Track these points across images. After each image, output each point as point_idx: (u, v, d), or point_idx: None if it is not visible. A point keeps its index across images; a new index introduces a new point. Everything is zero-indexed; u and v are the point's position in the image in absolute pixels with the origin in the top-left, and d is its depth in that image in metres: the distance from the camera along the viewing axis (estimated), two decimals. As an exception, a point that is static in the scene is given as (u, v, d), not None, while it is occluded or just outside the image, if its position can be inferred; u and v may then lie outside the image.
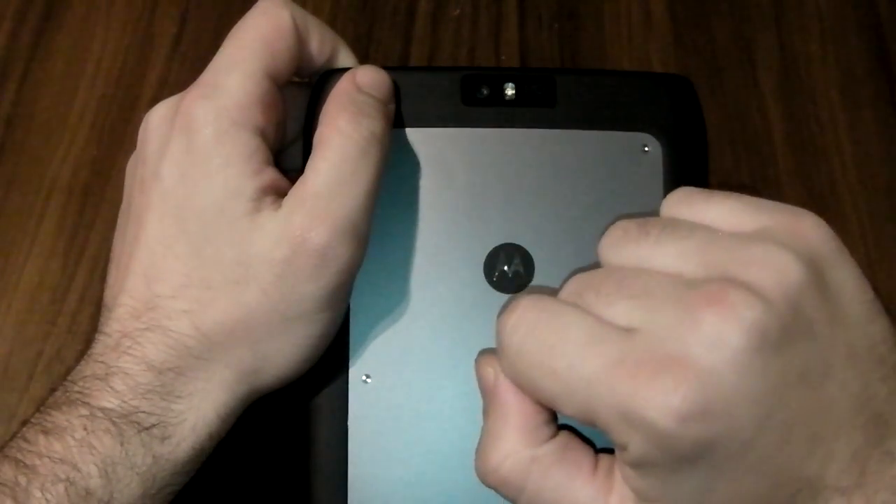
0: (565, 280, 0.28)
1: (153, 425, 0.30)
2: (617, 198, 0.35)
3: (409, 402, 0.34)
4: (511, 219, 0.35)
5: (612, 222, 0.28)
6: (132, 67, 0.51)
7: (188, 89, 0.33)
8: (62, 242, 0.47)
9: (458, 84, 0.36)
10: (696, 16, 0.53)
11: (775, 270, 0.24)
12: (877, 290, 0.27)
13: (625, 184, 0.35)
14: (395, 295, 0.35)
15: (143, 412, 0.30)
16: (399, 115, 0.35)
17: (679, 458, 0.24)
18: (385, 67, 0.35)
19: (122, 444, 0.30)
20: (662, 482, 0.25)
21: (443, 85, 0.36)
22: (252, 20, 0.34)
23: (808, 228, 0.26)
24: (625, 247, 0.27)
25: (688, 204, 0.28)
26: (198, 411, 0.31)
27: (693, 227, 0.27)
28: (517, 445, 0.28)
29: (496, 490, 0.28)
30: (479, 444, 0.29)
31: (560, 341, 0.26)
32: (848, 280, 0.26)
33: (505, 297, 0.35)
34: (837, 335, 0.25)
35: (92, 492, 0.29)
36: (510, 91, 0.36)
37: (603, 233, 0.28)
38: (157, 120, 0.34)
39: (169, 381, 0.31)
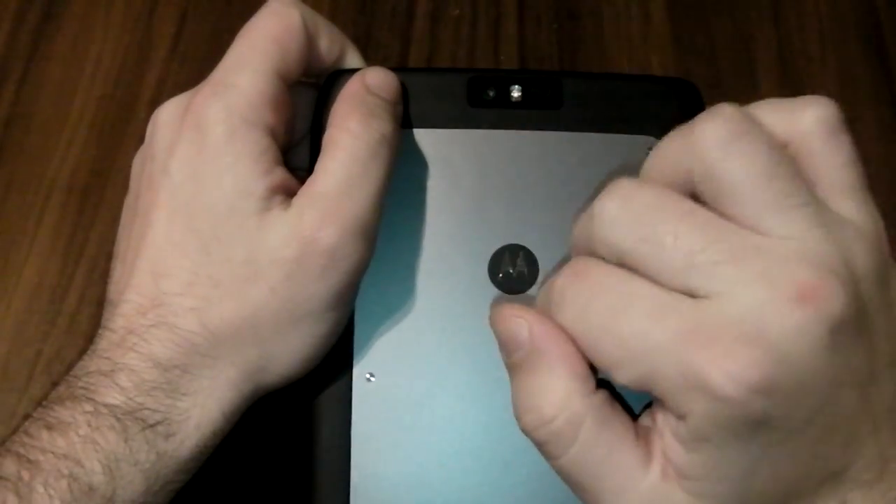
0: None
1: (158, 422, 0.30)
2: None
3: (412, 402, 0.34)
4: (516, 220, 0.35)
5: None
6: (131, 68, 0.51)
7: (199, 87, 0.33)
8: (61, 242, 0.47)
9: (464, 85, 0.36)
10: (696, 16, 0.53)
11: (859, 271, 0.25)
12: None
13: None
14: (400, 294, 0.35)
15: (149, 409, 0.30)
16: (405, 116, 0.35)
17: (735, 432, 0.24)
18: (392, 68, 0.35)
19: (126, 441, 0.30)
20: (710, 459, 0.24)
21: (449, 86, 0.36)
22: (263, 20, 0.34)
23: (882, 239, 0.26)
24: (671, 205, 0.25)
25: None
26: (203, 409, 0.31)
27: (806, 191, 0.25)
28: (571, 396, 0.26)
29: (541, 445, 0.27)
30: (521, 399, 0.27)
31: (627, 307, 0.24)
32: None
33: (509, 297, 0.35)
34: (886, 341, 0.25)
35: (95, 488, 0.29)
36: (516, 93, 0.36)
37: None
38: (166, 116, 0.34)
39: (175, 379, 0.31)
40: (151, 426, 0.30)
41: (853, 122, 0.50)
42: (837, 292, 0.23)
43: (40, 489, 0.28)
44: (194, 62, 0.51)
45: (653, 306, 0.24)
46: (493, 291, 0.35)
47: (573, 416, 0.26)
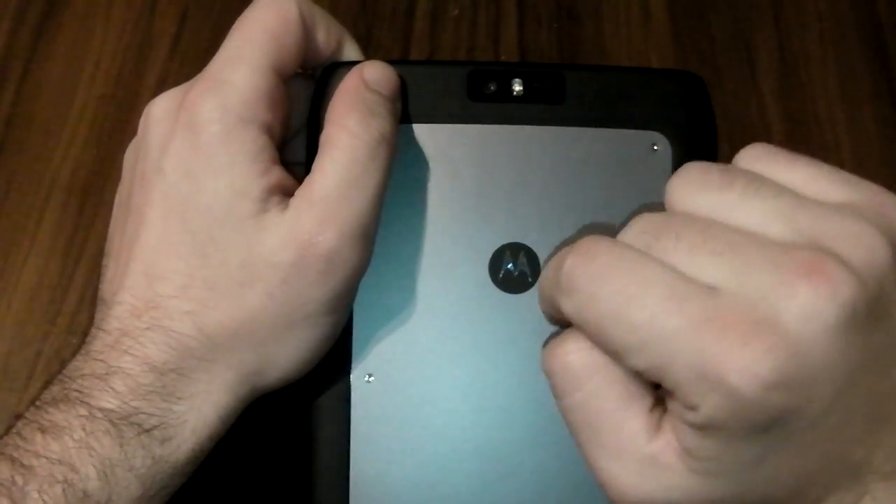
0: (630, 220, 0.26)
1: (154, 427, 0.30)
2: (625, 198, 0.34)
3: (411, 402, 0.34)
4: (517, 218, 0.34)
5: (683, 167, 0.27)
6: (131, 67, 0.51)
7: (192, 82, 0.32)
8: (61, 242, 0.47)
9: (464, 79, 0.35)
10: (696, 15, 0.53)
11: (867, 248, 0.24)
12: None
13: (633, 183, 0.34)
14: (399, 294, 0.34)
15: (144, 413, 0.30)
16: (404, 110, 0.35)
17: (749, 427, 0.23)
18: (390, 61, 0.34)
19: (121, 446, 0.29)
20: (719, 447, 0.24)
21: (449, 80, 0.35)
22: (258, 12, 0.33)
23: (893, 210, 0.25)
24: (704, 192, 0.26)
25: (769, 162, 0.27)
26: (199, 412, 0.31)
27: (780, 189, 0.26)
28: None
29: (550, 376, 0.27)
30: (559, 336, 0.27)
31: (640, 292, 0.24)
32: None
33: (509, 296, 0.34)
34: None
35: (90, 494, 0.29)
36: (518, 87, 0.35)
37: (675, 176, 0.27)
38: (159, 112, 0.33)
39: (170, 383, 0.31)
40: (147, 431, 0.30)
41: (853, 122, 0.50)
42: (843, 268, 0.23)
43: (35, 495, 0.28)
44: (195, 62, 0.51)
45: (666, 292, 0.24)
46: (494, 291, 0.34)
47: (591, 359, 0.26)
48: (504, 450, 0.34)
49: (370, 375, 0.34)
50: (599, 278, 0.25)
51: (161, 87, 0.50)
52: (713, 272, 0.24)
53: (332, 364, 0.34)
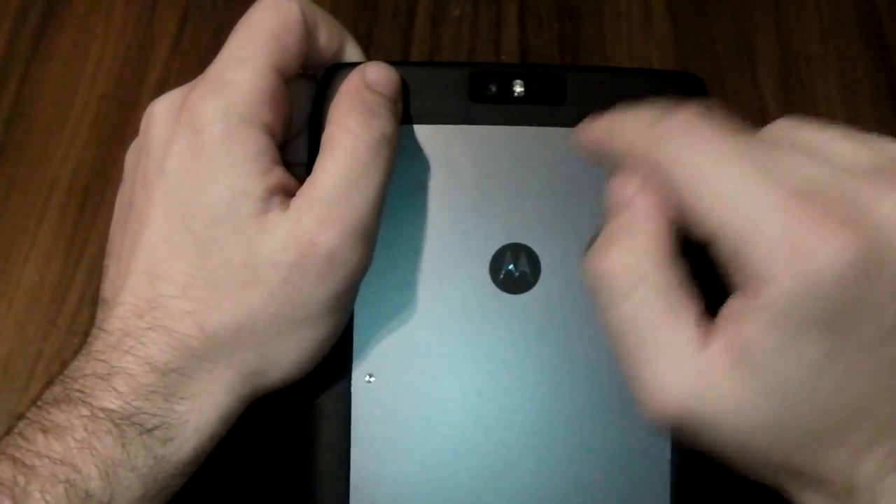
0: None
1: (155, 427, 0.30)
2: None
3: (412, 403, 0.34)
4: (518, 218, 0.35)
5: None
6: (132, 67, 0.51)
7: (195, 82, 0.32)
8: (62, 242, 0.47)
9: (465, 80, 0.35)
10: (697, 16, 0.53)
11: None
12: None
13: None
14: (400, 294, 0.34)
15: (146, 413, 0.30)
16: (405, 111, 0.35)
17: (819, 312, 0.24)
18: (392, 62, 0.34)
19: (123, 446, 0.30)
20: (783, 342, 0.24)
21: (450, 81, 0.35)
22: (260, 13, 0.33)
23: None
24: (800, 131, 0.27)
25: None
26: (200, 413, 0.31)
27: (866, 135, 0.27)
28: (643, 252, 0.27)
29: (596, 288, 0.27)
30: (600, 241, 0.28)
31: (736, 160, 0.25)
32: None
33: (510, 297, 0.34)
34: None
35: (92, 494, 0.29)
36: (519, 88, 0.35)
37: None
38: (161, 112, 0.33)
39: (172, 383, 0.31)
40: (149, 431, 0.30)
41: (853, 122, 0.50)
42: None
43: (37, 495, 0.28)
44: (195, 62, 0.51)
45: (765, 167, 0.25)
46: (494, 291, 0.34)
47: (637, 268, 0.27)
48: (505, 450, 0.34)
49: (371, 376, 0.34)
50: (693, 142, 0.26)
51: (162, 87, 0.50)
52: (808, 172, 0.25)
53: (332, 364, 0.34)
